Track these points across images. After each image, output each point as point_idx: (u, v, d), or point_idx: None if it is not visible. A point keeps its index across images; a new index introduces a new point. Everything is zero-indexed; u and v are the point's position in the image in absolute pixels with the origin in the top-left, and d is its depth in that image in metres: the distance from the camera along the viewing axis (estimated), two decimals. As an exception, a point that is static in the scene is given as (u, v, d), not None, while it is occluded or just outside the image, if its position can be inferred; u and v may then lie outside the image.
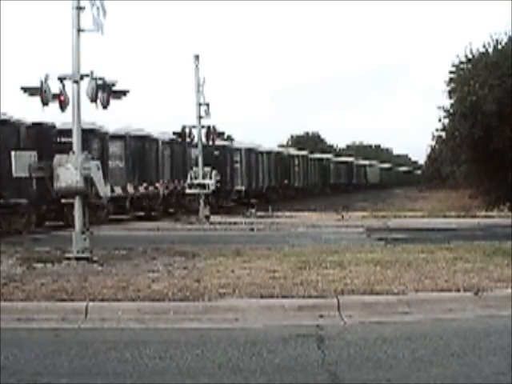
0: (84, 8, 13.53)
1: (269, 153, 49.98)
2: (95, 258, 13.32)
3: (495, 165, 31.33)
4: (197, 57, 28.39)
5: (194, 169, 28.95)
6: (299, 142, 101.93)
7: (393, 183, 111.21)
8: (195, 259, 13.29)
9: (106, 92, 13.55)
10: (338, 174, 77.42)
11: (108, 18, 13.57)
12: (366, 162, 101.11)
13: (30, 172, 21.18)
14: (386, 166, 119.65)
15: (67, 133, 27.29)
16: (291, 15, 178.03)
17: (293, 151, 61.69)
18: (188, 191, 28.76)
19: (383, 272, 11.08)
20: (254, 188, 44.47)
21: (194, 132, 28.92)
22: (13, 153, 20.75)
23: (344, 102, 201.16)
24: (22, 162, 20.97)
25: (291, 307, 8.97)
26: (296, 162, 57.93)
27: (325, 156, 73.92)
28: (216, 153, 36.40)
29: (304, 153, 64.97)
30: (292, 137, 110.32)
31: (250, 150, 43.67)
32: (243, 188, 41.37)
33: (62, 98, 13.64)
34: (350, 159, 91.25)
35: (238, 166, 41.62)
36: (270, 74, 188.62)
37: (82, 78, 13.50)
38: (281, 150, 58.47)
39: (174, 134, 29.44)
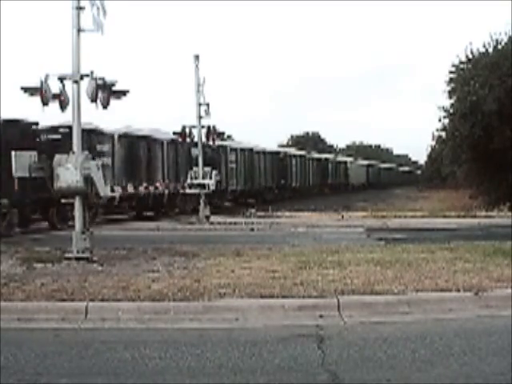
0: (84, 8, 13.53)
1: (175, 143, 31.98)
2: (95, 258, 13.33)
3: (495, 165, 31.33)
4: (197, 57, 28.37)
5: (194, 169, 28.92)
6: (299, 142, 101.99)
7: (384, 184, 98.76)
8: (195, 259, 13.28)
9: (106, 92, 13.55)
10: (304, 174, 59.39)
11: (108, 18, 13.59)
12: (347, 159, 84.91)
13: (29, 172, 21.20)
14: (374, 163, 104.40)
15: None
16: (291, 15, 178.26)
17: (228, 143, 43.26)
18: (188, 191, 28.74)
19: (383, 272, 11.08)
20: (155, 192, 30.00)
21: (194, 132, 28.92)
22: (13, 153, 20.72)
23: (344, 102, 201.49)
24: (21, 162, 20.96)
25: (291, 307, 8.97)
26: (233, 158, 41.00)
27: (282, 150, 57.45)
28: (58, 132, 22.98)
29: (246, 146, 46.28)
30: (292, 137, 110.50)
31: (131, 137, 28.25)
32: (114, 194, 25.92)
33: (62, 98, 13.64)
34: (324, 155, 74.90)
35: (106, 159, 25.14)
36: (269, 74, 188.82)
37: (82, 78, 13.50)
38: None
39: (174, 133, 29.42)
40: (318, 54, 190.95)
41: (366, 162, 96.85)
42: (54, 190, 14.21)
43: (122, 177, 27.61)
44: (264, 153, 48.60)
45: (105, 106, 13.71)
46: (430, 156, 72.98)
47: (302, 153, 62.79)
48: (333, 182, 70.72)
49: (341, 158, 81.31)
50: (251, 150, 45.47)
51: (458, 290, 9.57)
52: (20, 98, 14.04)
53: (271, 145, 64.02)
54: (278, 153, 53.57)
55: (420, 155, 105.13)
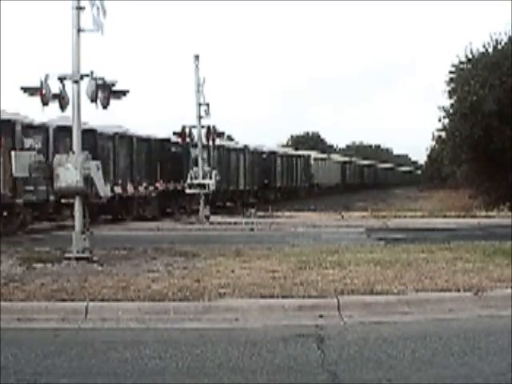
0: (84, 8, 13.53)
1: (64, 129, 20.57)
2: (95, 258, 13.32)
3: (495, 165, 31.42)
4: (197, 57, 28.36)
5: (194, 169, 28.92)
6: (299, 141, 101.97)
7: (370, 185, 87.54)
8: (195, 259, 13.29)
9: (105, 92, 13.55)
10: (230, 172, 38.68)
11: (108, 18, 13.58)
12: (311, 153, 65.04)
13: (29, 172, 21.15)
14: (354, 160, 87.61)
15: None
16: (292, 14, 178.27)
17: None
18: (188, 191, 28.74)
19: (383, 272, 11.08)
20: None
21: (194, 132, 28.92)
22: (13, 153, 20.68)
23: (344, 102, 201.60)
24: (21, 162, 20.91)
25: (291, 307, 8.97)
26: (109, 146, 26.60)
27: (172, 140, 31.84)
28: None
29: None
30: (292, 137, 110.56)
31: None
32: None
33: (62, 97, 13.63)
34: (268, 148, 51.97)
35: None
36: (269, 74, 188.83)
37: (81, 77, 13.50)
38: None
39: (174, 133, 29.42)
40: (318, 54, 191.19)
41: (341, 159, 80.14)
42: (53, 190, 14.20)
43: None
44: (145, 140, 29.66)
45: (105, 106, 13.70)
46: (429, 156, 73.03)
47: (222, 143, 38.36)
48: (285, 183, 51.88)
49: (298, 153, 61.75)
50: (91, 130, 23.83)
51: (458, 290, 9.58)
52: (20, 98, 14.05)
53: (271, 145, 61.77)
54: (166, 140, 31.77)
55: (420, 155, 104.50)
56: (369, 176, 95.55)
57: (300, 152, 63.00)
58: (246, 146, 44.10)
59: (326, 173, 67.03)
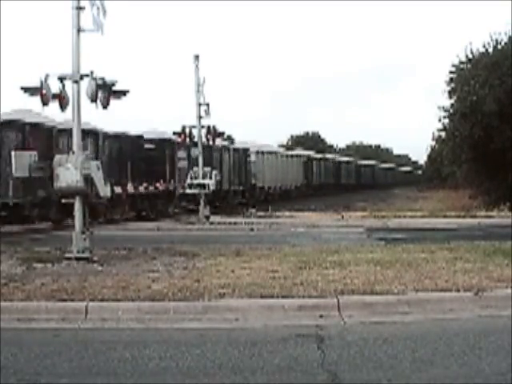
0: (84, 8, 13.53)
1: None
2: (95, 258, 13.32)
3: (495, 165, 31.40)
4: (197, 57, 28.38)
5: (194, 169, 28.91)
6: (299, 141, 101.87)
7: (352, 186, 76.75)
8: (195, 259, 13.29)
9: (106, 92, 13.55)
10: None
11: (108, 18, 13.58)
12: (249, 146, 45.17)
13: (29, 172, 21.13)
14: (315, 155, 67.64)
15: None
16: (291, 14, 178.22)
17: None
18: (188, 191, 28.73)
19: (383, 272, 11.08)
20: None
21: (194, 132, 28.92)
22: (13, 153, 20.68)
23: (344, 102, 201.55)
24: (21, 162, 20.91)
25: (291, 307, 8.97)
26: None
27: (50, 124, 22.55)
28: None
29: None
30: (292, 137, 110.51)
31: None
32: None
33: (62, 97, 13.63)
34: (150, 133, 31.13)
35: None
36: (269, 73, 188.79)
37: (81, 77, 13.50)
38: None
39: (174, 133, 29.41)
40: (318, 53, 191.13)
41: (304, 153, 64.56)
42: (53, 190, 14.20)
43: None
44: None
45: (105, 106, 13.70)
46: (429, 156, 72.94)
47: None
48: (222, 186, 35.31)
49: (222, 143, 38.63)
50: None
51: (458, 290, 9.58)
52: (20, 98, 14.04)
53: (272, 145, 60.86)
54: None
55: (420, 155, 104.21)
56: (348, 175, 79.53)
57: (232, 145, 44.25)
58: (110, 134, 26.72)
59: (278, 172, 50.55)
